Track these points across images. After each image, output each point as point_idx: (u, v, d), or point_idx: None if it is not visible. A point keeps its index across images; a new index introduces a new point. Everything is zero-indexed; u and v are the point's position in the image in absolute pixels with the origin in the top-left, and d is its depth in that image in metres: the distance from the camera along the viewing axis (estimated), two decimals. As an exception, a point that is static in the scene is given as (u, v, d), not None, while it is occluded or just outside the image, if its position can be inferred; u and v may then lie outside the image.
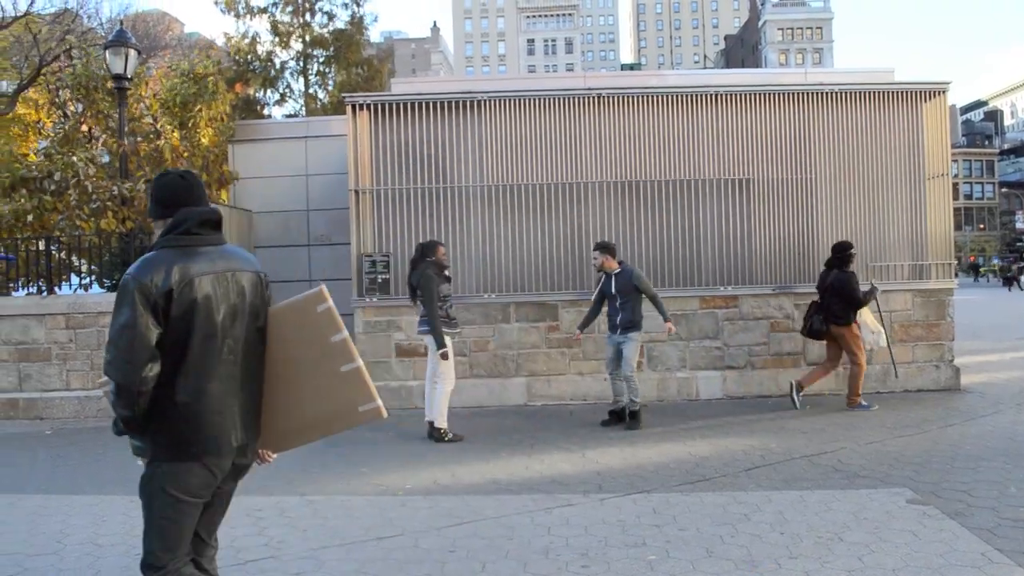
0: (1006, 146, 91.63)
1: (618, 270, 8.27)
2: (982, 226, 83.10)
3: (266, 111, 21.35)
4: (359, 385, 2.99)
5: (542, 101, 9.88)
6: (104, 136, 12.35)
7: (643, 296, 8.26)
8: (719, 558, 4.46)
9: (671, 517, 5.21)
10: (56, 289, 10.57)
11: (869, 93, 9.99)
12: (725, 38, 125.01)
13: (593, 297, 8.58)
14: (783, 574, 4.23)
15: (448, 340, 7.74)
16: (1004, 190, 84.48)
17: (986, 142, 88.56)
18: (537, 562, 4.47)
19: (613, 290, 8.27)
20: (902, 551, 4.47)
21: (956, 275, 10.22)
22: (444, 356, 7.66)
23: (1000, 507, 5.22)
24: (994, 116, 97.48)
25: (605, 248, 8.37)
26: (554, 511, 5.41)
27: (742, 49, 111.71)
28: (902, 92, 10.05)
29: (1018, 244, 75.11)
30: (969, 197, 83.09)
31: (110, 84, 11.07)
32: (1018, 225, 78.05)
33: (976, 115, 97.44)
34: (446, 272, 7.93)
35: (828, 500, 5.46)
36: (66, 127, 13.18)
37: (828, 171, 9.95)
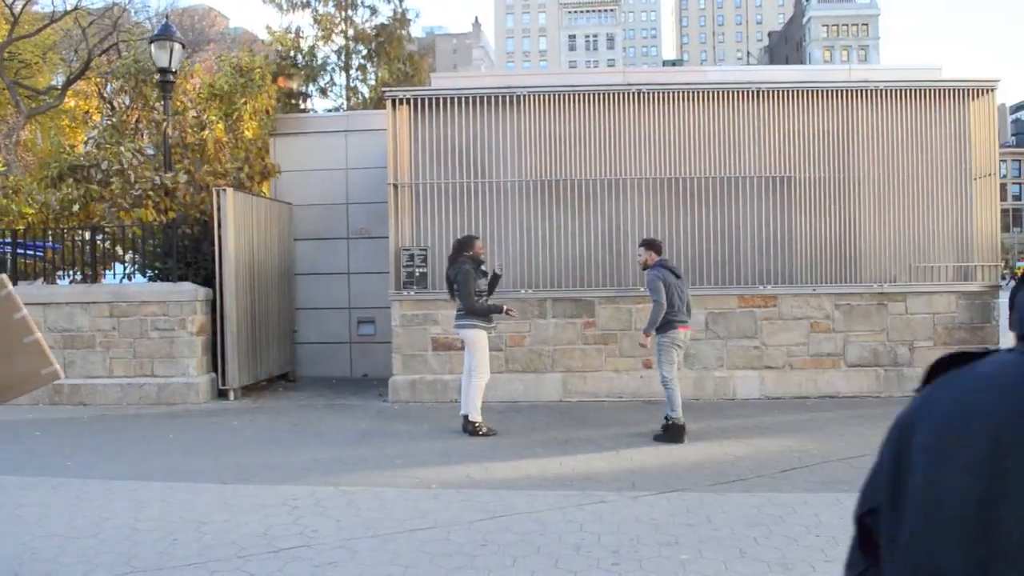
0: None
1: (654, 264, 7.87)
2: (1020, 228, 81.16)
3: (308, 105, 21.56)
4: (39, 354, 3.54)
5: (581, 97, 9.84)
6: (150, 128, 12.56)
7: (673, 295, 7.64)
8: (752, 559, 4.41)
9: (704, 517, 5.17)
10: (101, 278, 10.79)
11: (914, 91, 9.80)
12: (769, 34, 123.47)
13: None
14: (817, 577, 4.18)
15: (483, 335, 7.76)
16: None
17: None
18: (568, 558, 4.46)
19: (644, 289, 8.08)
20: (941, 557, 4.39)
21: (1003, 278, 10.00)
22: (510, 312, 8.05)
23: None
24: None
25: (647, 245, 7.99)
26: (586, 508, 5.40)
27: (786, 46, 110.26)
28: (949, 90, 9.85)
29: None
30: (1018, 198, 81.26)
31: (157, 76, 11.25)
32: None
33: (1022, 115, 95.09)
34: (483, 267, 7.94)
35: (865, 503, 5.37)
36: (114, 119, 13.41)
37: (871, 170, 9.79)
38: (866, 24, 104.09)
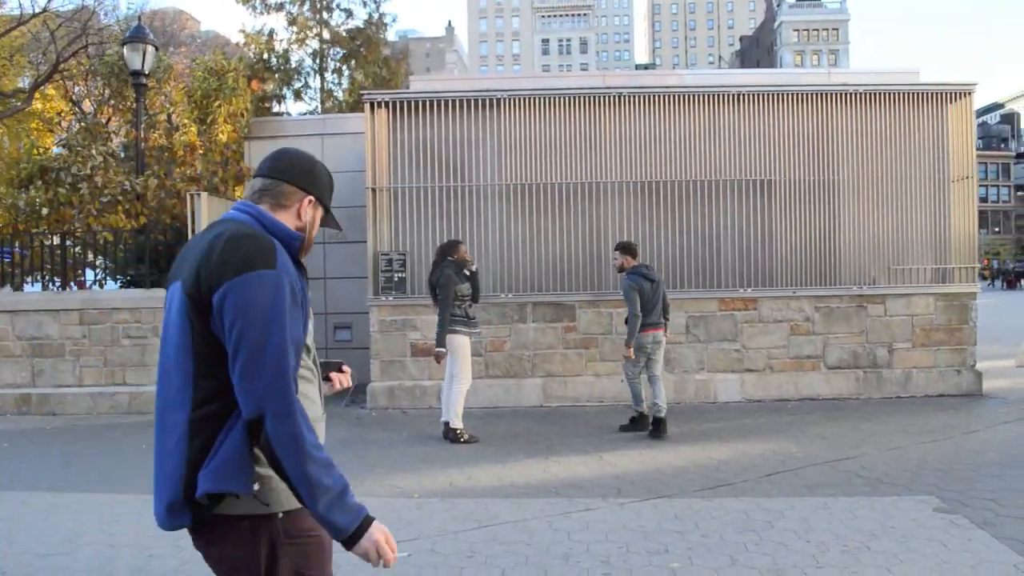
0: (1022, 149, 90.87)
1: (631, 268, 8.03)
2: (997, 229, 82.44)
3: (282, 108, 21.33)
4: None
5: (561, 100, 9.78)
6: (125, 130, 12.35)
7: (647, 301, 7.89)
8: (744, 566, 4.35)
9: (693, 523, 5.10)
10: (70, 285, 10.56)
11: (893, 94, 9.85)
12: (740, 39, 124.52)
13: None
14: (810, 584, 4.13)
15: (466, 340, 7.67)
16: (1020, 193, 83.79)
17: (1002, 145, 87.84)
18: (557, 568, 4.37)
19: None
20: (932, 562, 4.36)
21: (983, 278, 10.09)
22: (438, 358, 7.63)
23: (1030, 517, 5.09)
24: (1011, 119, 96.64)
25: (623, 249, 8.15)
26: (573, 515, 5.31)
27: (757, 50, 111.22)
28: (927, 93, 9.90)
29: (1034, 248, 74.51)
30: (984, 200, 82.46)
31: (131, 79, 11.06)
32: (1034, 228, 77.47)
33: (992, 118, 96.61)
34: (467, 270, 7.84)
35: (853, 507, 5.34)
36: (84, 121, 13.16)
37: (850, 172, 9.81)
38: (836, 29, 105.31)
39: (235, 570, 1.97)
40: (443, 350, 7.62)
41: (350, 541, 1.92)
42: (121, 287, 10.42)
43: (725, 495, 5.76)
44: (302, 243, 2.15)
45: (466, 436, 7.67)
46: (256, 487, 1.92)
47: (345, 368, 2.50)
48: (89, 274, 10.84)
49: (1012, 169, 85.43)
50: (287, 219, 2.14)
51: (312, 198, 2.19)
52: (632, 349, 7.89)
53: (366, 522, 1.95)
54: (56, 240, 10.60)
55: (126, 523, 5.28)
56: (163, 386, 2.01)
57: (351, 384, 2.53)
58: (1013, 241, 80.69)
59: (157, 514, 2.01)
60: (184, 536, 4.90)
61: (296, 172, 2.18)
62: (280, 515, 1.96)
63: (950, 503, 5.40)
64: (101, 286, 10.60)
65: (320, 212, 2.24)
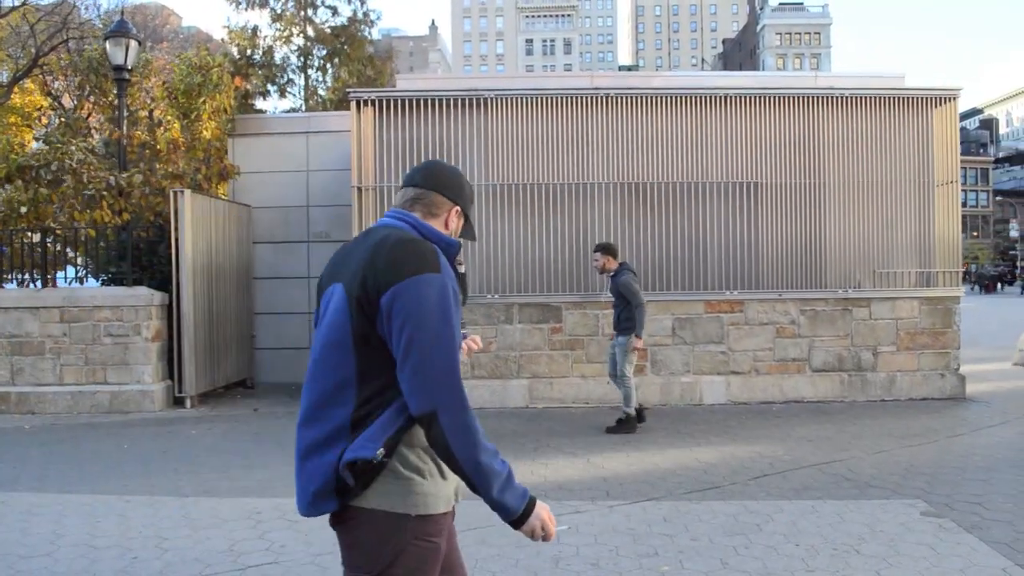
0: (1001, 154, 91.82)
1: (613, 272, 8.14)
2: (976, 234, 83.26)
3: (265, 105, 21.21)
4: None
5: (548, 100, 9.75)
6: (106, 125, 12.21)
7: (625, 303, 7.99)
8: (734, 570, 4.34)
9: (682, 526, 5.08)
10: (52, 282, 10.42)
11: (878, 98, 9.89)
12: (723, 42, 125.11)
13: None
14: (801, 588, 4.12)
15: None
16: (999, 198, 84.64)
17: (981, 150, 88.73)
18: (547, 571, 4.34)
19: (609, 292, 8.28)
20: (921, 565, 4.36)
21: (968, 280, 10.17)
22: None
23: (1016, 521, 5.11)
24: (989, 124, 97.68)
25: (604, 249, 8.24)
26: (562, 518, 5.27)
27: (740, 53, 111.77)
28: (911, 98, 9.95)
29: (1011, 252, 75.25)
30: (964, 205, 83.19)
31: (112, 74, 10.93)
32: (1012, 233, 78.16)
33: (972, 123, 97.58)
34: (458, 270, 7.79)
35: (841, 510, 5.35)
36: (64, 116, 13.00)
37: (836, 176, 9.85)
38: (818, 33, 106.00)
39: (361, 554, 2.07)
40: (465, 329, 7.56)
41: (519, 521, 2.08)
42: (102, 284, 10.28)
43: (713, 498, 5.75)
44: (456, 249, 2.27)
45: (452, 437, 7.61)
46: (381, 451, 2.00)
47: (470, 335, 2.72)
48: (70, 271, 10.67)
49: (991, 174, 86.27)
50: (436, 227, 2.27)
51: (459, 208, 2.32)
52: (622, 340, 7.98)
53: (531, 503, 2.09)
54: (36, 237, 10.45)
55: (108, 524, 5.20)
56: (316, 382, 2.11)
57: (481, 345, 2.77)
58: (992, 246, 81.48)
59: (301, 501, 2.12)
60: (168, 538, 4.85)
61: (446, 184, 2.31)
62: (414, 517, 2.04)
63: (937, 507, 5.42)
64: (82, 283, 10.45)
65: (462, 222, 2.36)
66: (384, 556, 2.04)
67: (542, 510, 2.12)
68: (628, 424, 8.01)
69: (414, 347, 1.96)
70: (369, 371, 2.04)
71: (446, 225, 2.30)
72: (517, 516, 2.07)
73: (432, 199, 2.27)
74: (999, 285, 52.67)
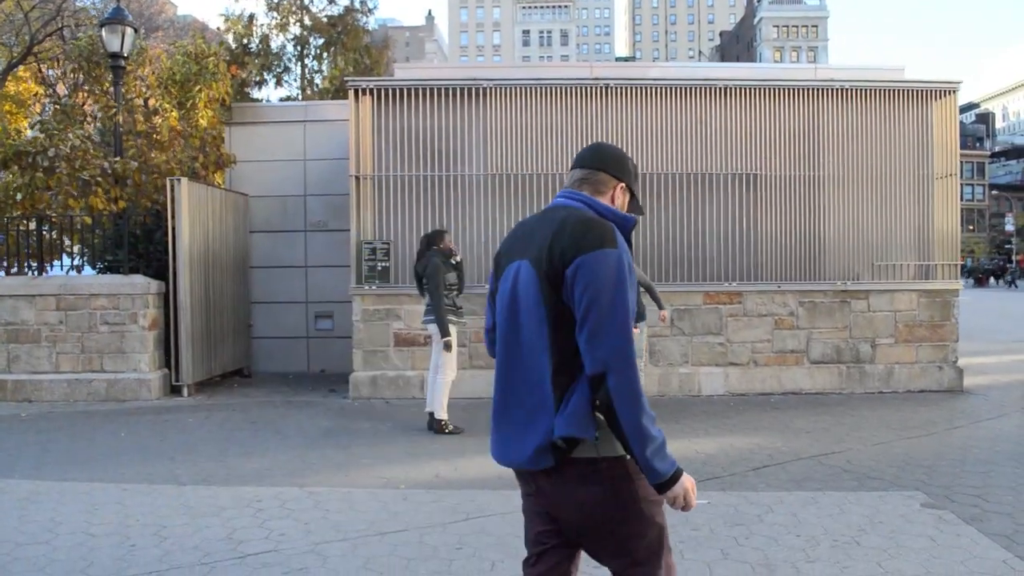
0: (997, 148, 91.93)
1: None
2: (972, 228, 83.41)
3: (261, 94, 21.09)
4: None
5: (547, 90, 9.71)
6: (102, 114, 12.12)
7: (640, 287, 8.00)
8: (735, 560, 4.33)
9: (683, 517, 5.03)
10: (47, 269, 10.37)
11: (878, 91, 9.87)
12: (720, 34, 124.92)
13: None
14: (802, 579, 4.11)
15: (453, 330, 7.60)
16: (994, 192, 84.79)
17: (978, 144, 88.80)
18: (548, 561, 4.32)
19: None
20: (921, 557, 4.36)
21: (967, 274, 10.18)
22: (448, 346, 7.51)
23: (1016, 513, 5.11)
24: (986, 119, 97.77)
25: None
26: (562, 508, 5.27)
27: (737, 45, 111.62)
28: (911, 91, 9.93)
29: (1007, 246, 75.43)
30: (960, 199, 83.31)
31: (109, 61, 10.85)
32: (1008, 227, 78.33)
33: (968, 117, 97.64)
34: (452, 260, 7.77)
35: (841, 502, 5.34)
36: (59, 104, 12.92)
37: (835, 168, 9.83)
38: (816, 26, 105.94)
39: (590, 505, 2.30)
40: (451, 338, 7.53)
41: (665, 486, 2.22)
42: (99, 273, 10.23)
43: (713, 488, 5.74)
44: (631, 225, 2.46)
45: (451, 427, 7.61)
46: (598, 435, 2.24)
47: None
48: (66, 260, 10.61)
49: (987, 168, 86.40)
50: (605, 203, 2.48)
51: (624, 185, 2.53)
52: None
53: (679, 471, 2.23)
54: (32, 225, 10.39)
55: (106, 512, 5.18)
56: (510, 351, 2.41)
57: (667, 321, 3.02)
58: (987, 240, 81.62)
59: (520, 456, 2.34)
60: (167, 526, 4.81)
61: (611, 162, 2.53)
62: (628, 457, 2.25)
63: (937, 498, 5.42)
64: (78, 271, 10.39)
65: (628, 197, 2.56)
66: (615, 497, 2.29)
67: (687, 480, 2.25)
68: None
69: (592, 313, 2.18)
70: (560, 338, 2.27)
71: (612, 200, 2.51)
72: (664, 480, 2.20)
73: (599, 178, 2.50)
74: (990, 279, 53.06)
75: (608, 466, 2.28)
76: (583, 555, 2.56)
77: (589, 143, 2.76)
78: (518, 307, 2.38)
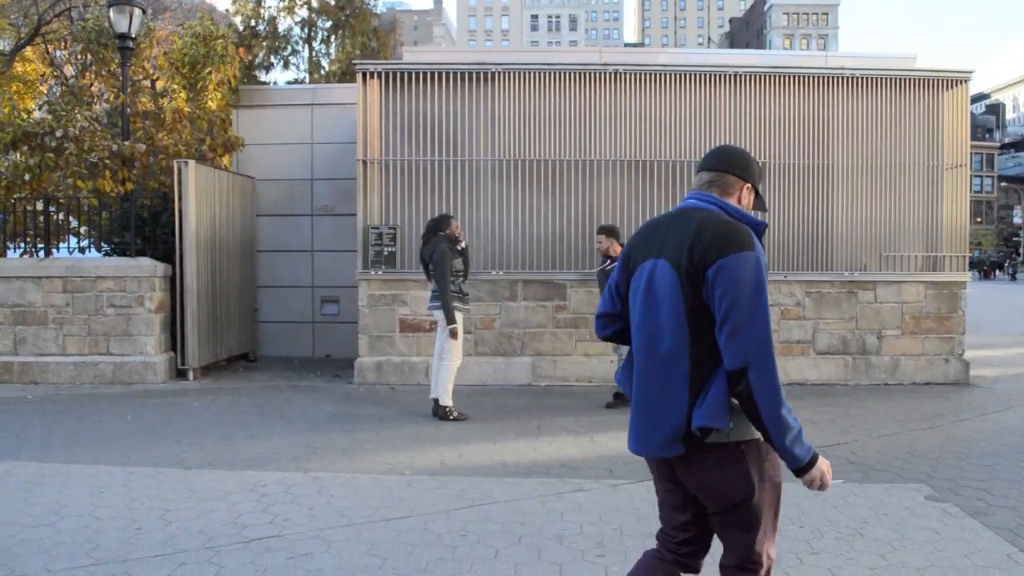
0: (1007, 140, 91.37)
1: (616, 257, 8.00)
2: (980, 220, 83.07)
3: (269, 77, 21.04)
4: None
5: (556, 75, 9.66)
6: (109, 95, 12.09)
7: None
8: (739, 551, 4.32)
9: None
10: (54, 251, 10.37)
11: (888, 79, 9.80)
12: (730, 21, 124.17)
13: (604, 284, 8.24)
14: (805, 570, 4.10)
15: (459, 316, 7.58)
16: (1003, 184, 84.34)
17: (987, 135, 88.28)
18: (551, 549, 4.33)
19: (599, 274, 8.15)
20: (925, 550, 4.35)
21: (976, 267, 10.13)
22: (454, 333, 7.50)
23: (1021, 507, 5.10)
24: (996, 110, 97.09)
25: (610, 232, 8.12)
26: (566, 496, 5.28)
27: (747, 32, 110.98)
28: (922, 80, 9.86)
29: (1015, 239, 75.13)
30: (969, 190, 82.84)
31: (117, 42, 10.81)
32: (1016, 220, 78.01)
33: (978, 108, 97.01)
34: (459, 246, 7.75)
35: (845, 494, 5.33)
36: (67, 84, 12.89)
37: (844, 157, 9.78)
38: (826, 14, 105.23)
39: (725, 484, 2.48)
40: (456, 326, 7.51)
41: (803, 470, 2.43)
42: (106, 255, 10.24)
43: (717, 478, 5.73)
44: (763, 229, 2.57)
45: (456, 414, 7.62)
46: (731, 425, 2.41)
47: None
48: (72, 241, 10.61)
49: (996, 160, 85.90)
50: (732, 203, 2.63)
51: (749, 185, 2.67)
52: None
53: (815, 456, 2.44)
54: (39, 206, 10.39)
55: (112, 495, 5.20)
56: (647, 345, 2.56)
57: None
58: (996, 232, 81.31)
59: (653, 444, 2.53)
60: (172, 509, 4.82)
61: (737, 164, 2.67)
62: (759, 439, 2.46)
63: (941, 491, 5.41)
64: (84, 253, 10.39)
65: (753, 196, 2.69)
66: (748, 476, 2.47)
67: (823, 464, 2.47)
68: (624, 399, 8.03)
69: (733, 312, 2.33)
70: (698, 333, 2.43)
71: (739, 200, 2.65)
72: (802, 466, 2.41)
73: (726, 180, 2.64)
74: (996, 271, 53.23)
75: (738, 449, 2.46)
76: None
77: (713, 149, 2.81)
78: (656, 304, 2.53)
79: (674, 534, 2.72)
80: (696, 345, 2.43)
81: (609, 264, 8.09)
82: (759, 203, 2.72)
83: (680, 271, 2.45)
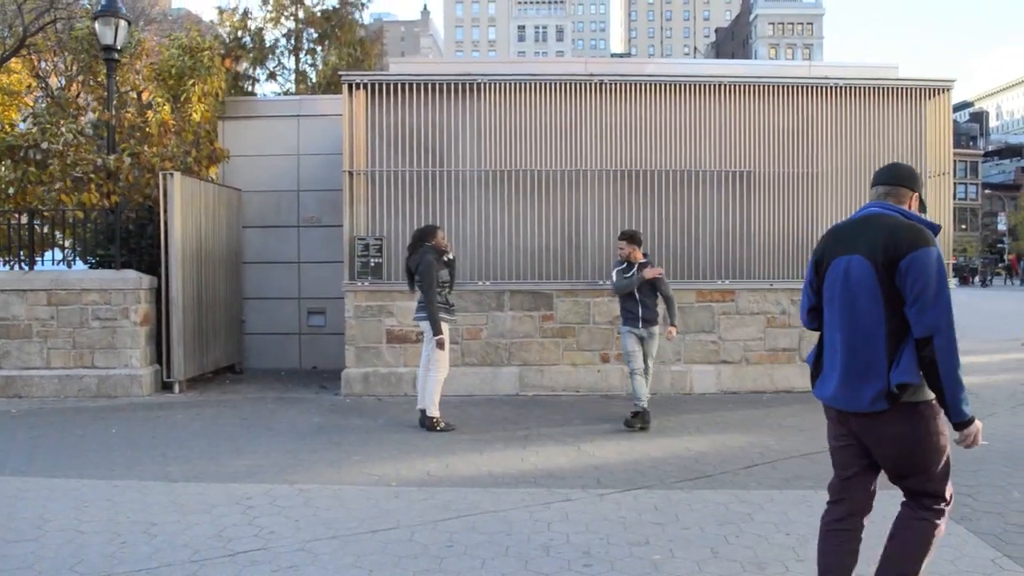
0: (991, 148, 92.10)
1: (643, 261, 7.73)
2: (964, 227, 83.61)
3: (256, 88, 20.97)
4: None
5: (542, 86, 9.69)
6: (95, 105, 12.04)
7: (660, 296, 7.76)
8: (725, 559, 4.33)
9: (673, 515, 5.08)
10: (38, 264, 10.30)
11: (872, 89, 9.88)
12: (716, 31, 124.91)
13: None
14: (792, 578, 4.11)
15: (445, 327, 7.57)
16: (987, 191, 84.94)
17: (971, 143, 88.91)
18: (538, 559, 4.32)
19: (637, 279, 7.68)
20: (911, 556, 4.36)
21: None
22: (440, 344, 7.49)
23: (1006, 512, 5.12)
24: (980, 118, 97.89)
25: (633, 238, 7.80)
26: (552, 506, 5.27)
27: (732, 42, 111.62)
28: (905, 89, 9.95)
29: (999, 246, 75.61)
30: (953, 197, 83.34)
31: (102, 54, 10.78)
32: (1000, 227, 78.51)
33: (962, 116, 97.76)
34: (445, 257, 7.74)
35: (831, 501, 5.34)
36: (52, 96, 12.83)
37: (829, 166, 9.84)
38: (811, 24, 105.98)
39: (910, 435, 3.12)
40: (443, 337, 7.49)
41: (964, 424, 3.02)
42: (91, 268, 10.18)
43: (704, 487, 5.75)
44: (938, 230, 3.20)
45: (443, 424, 7.60)
46: (920, 376, 3.04)
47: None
48: (57, 254, 10.55)
49: (980, 167, 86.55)
50: (908, 210, 3.27)
51: (917, 195, 3.33)
52: (655, 332, 7.78)
53: (973, 416, 3.05)
54: (23, 219, 10.32)
55: (96, 509, 5.16)
56: (849, 325, 3.20)
57: None
58: (980, 239, 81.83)
59: (862, 403, 3.14)
60: (157, 523, 4.79)
61: (907, 179, 3.33)
62: (933, 401, 3.08)
63: (927, 497, 5.42)
64: (69, 266, 10.33)
65: (918, 203, 3.34)
66: (925, 430, 3.11)
67: (978, 423, 3.07)
68: (645, 416, 7.70)
69: (923, 294, 2.99)
70: (892, 312, 3.08)
71: (909, 207, 3.28)
72: (965, 420, 3.01)
73: (900, 192, 3.29)
74: (973, 277, 54.15)
75: (921, 408, 3.09)
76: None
77: (884, 167, 3.44)
78: (853, 291, 3.18)
79: (846, 477, 3.40)
80: (891, 321, 3.08)
81: (626, 268, 7.75)
82: (922, 207, 3.36)
83: (876, 263, 3.10)
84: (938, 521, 3.29)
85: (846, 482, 3.42)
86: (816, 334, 3.52)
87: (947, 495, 3.29)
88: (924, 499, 3.28)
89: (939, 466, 3.19)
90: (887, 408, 3.08)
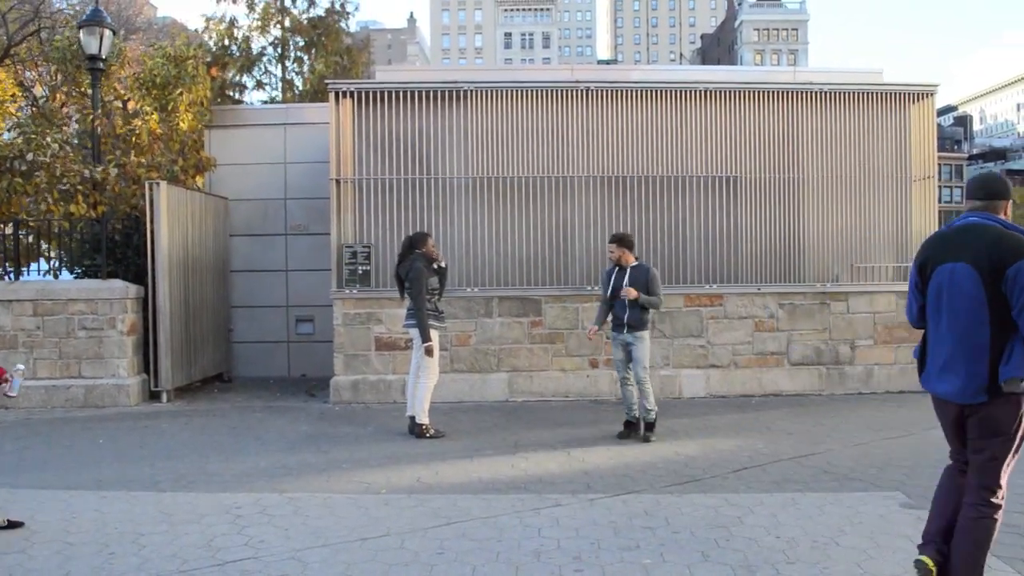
0: (975, 151, 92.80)
1: (635, 264, 7.62)
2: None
3: (243, 96, 20.93)
4: None
5: (528, 93, 9.71)
6: (79, 116, 11.99)
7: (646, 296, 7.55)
8: (716, 562, 4.34)
9: (663, 519, 5.09)
10: (24, 274, 10.24)
11: (857, 94, 9.94)
12: (701, 37, 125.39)
13: (604, 292, 7.81)
14: (782, 580, 4.12)
15: (435, 334, 7.56)
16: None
17: (956, 147, 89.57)
18: (529, 565, 4.32)
19: (626, 285, 7.50)
20: (899, 557, 4.38)
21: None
22: (429, 351, 7.48)
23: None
24: (964, 121, 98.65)
25: (623, 241, 7.66)
26: (543, 512, 5.27)
27: (718, 48, 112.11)
28: (890, 94, 10.02)
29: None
30: (938, 201, 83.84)
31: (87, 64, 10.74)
32: (984, 230, 78.95)
33: (946, 120, 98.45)
34: (435, 265, 7.72)
35: (821, 503, 5.37)
36: (38, 106, 12.77)
37: (815, 170, 9.90)
38: (796, 29, 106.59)
39: (1005, 423, 3.55)
40: (431, 344, 7.47)
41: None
42: (77, 278, 10.13)
43: (694, 491, 5.76)
44: None
45: (432, 431, 7.59)
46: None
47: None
48: (43, 264, 10.49)
49: (965, 171, 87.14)
50: (1005, 220, 3.63)
51: (1008, 203, 3.69)
52: (645, 337, 7.59)
53: None
54: (9, 229, 10.26)
55: (84, 520, 5.13)
56: (955, 325, 3.60)
57: None
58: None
59: (964, 395, 3.58)
60: (145, 533, 4.76)
61: (1000, 191, 3.70)
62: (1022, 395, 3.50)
63: (916, 499, 5.45)
64: (56, 276, 10.28)
65: (1010, 212, 3.74)
66: (1019, 418, 3.54)
67: None
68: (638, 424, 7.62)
69: None
70: (996, 314, 3.45)
71: (1004, 215, 3.65)
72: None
73: (994, 204, 3.66)
74: None
75: (1015, 399, 3.50)
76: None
77: (976, 179, 3.84)
78: (958, 294, 3.56)
79: (958, 453, 3.87)
80: (995, 323, 3.44)
81: (617, 272, 7.61)
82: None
83: (982, 270, 3.46)
84: (996, 516, 3.64)
85: (956, 452, 3.91)
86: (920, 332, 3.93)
87: (1002, 484, 3.64)
88: (982, 492, 3.63)
89: (1015, 443, 3.59)
90: (986, 400, 3.50)
